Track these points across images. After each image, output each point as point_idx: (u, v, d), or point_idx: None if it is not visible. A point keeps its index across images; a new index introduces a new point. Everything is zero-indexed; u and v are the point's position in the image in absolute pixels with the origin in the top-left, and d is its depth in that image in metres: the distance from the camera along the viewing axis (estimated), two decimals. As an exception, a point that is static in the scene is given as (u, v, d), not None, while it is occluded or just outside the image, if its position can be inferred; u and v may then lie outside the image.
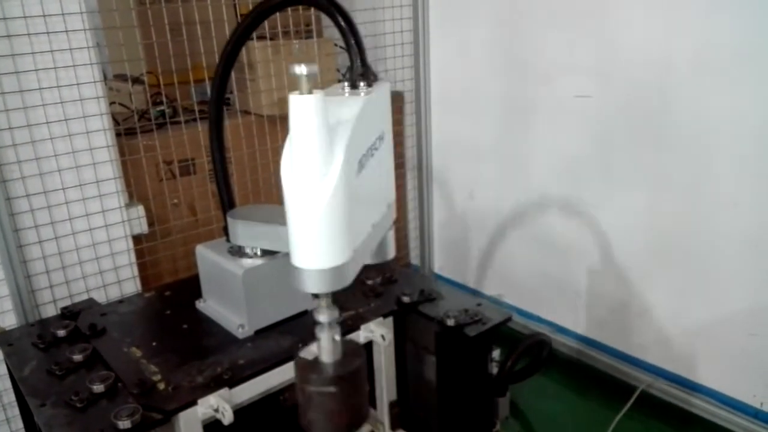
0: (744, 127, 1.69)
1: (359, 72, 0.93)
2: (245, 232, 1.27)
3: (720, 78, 1.71)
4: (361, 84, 0.92)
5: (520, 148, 2.29)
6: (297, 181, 0.77)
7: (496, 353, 1.44)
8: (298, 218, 0.78)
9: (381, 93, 0.95)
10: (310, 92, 0.75)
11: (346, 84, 0.92)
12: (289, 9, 2.14)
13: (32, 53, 1.60)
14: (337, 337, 0.90)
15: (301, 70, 0.75)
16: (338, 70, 2.41)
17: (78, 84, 1.68)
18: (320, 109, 0.76)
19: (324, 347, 0.89)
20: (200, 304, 1.44)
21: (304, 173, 0.77)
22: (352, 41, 0.98)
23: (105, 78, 1.81)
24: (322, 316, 0.87)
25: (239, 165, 2.13)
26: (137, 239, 1.91)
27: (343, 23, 1.00)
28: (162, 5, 1.91)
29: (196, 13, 1.91)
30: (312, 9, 2.30)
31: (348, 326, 1.34)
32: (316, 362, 0.90)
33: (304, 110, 0.75)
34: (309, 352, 0.91)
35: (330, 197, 0.76)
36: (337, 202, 0.77)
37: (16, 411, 1.51)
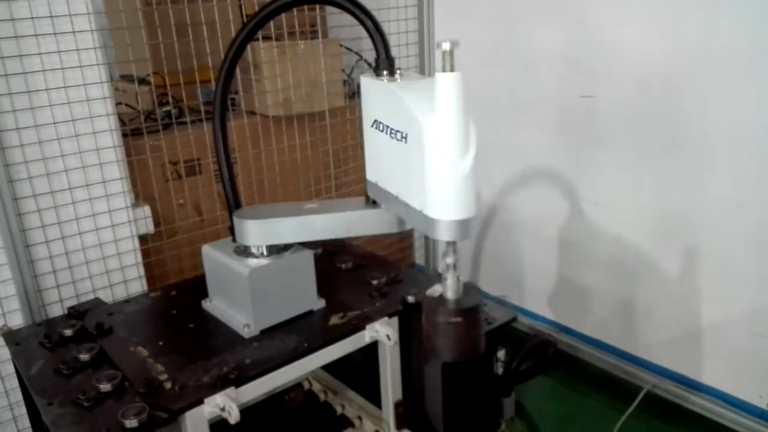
0: (749, 126, 1.69)
1: (387, 63, 1.10)
2: (251, 231, 1.28)
3: (725, 77, 1.71)
4: (384, 73, 1.10)
5: (524, 147, 2.29)
6: (451, 146, 0.93)
7: (501, 353, 1.44)
8: (445, 178, 0.94)
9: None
10: (452, 70, 0.89)
11: (384, 71, 1.10)
12: (295, 9, 2.15)
13: (39, 54, 1.61)
14: (460, 278, 1.03)
15: (446, 46, 0.89)
16: (343, 71, 2.42)
17: (85, 84, 1.68)
18: (461, 85, 0.91)
19: (449, 285, 1.02)
20: (206, 304, 1.45)
21: (455, 138, 0.93)
22: (378, 36, 1.12)
23: (111, 78, 1.81)
24: (450, 258, 1.01)
25: (245, 165, 2.14)
26: (143, 239, 1.92)
27: (366, 20, 1.13)
28: (168, 6, 1.92)
29: (202, 13, 1.91)
30: (317, 9, 2.30)
31: (353, 326, 1.35)
32: (442, 298, 1.03)
33: (454, 85, 0.90)
34: (434, 290, 1.05)
35: (472, 159, 0.94)
36: (473, 166, 0.95)
37: (24, 410, 1.52)
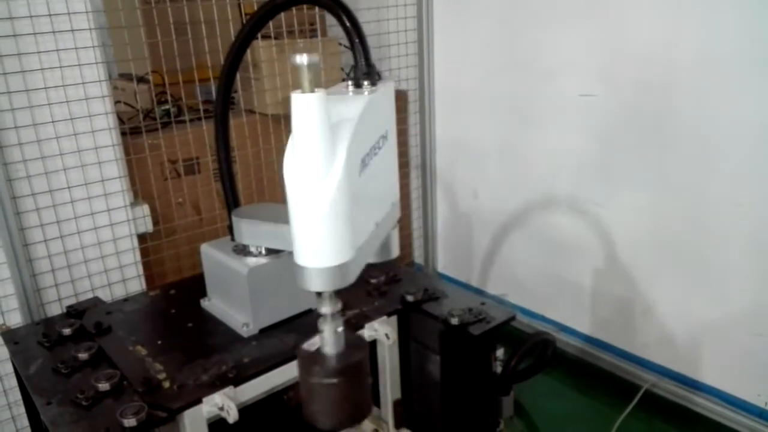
0: (748, 126, 1.69)
1: (363, 71, 0.93)
2: (250, 231, 1.27)
3: (724, 77, 1.70)
4: (365, 83, 0.92)
5: (524, 147, 2.29)
6: (299, 179, 0.77)
7: (500, 352, 1.44)
8: (300, 217, 0.78)
9: (385, 92, 0.95)
10: (312, 90, 0.75)
11: (350, 83, 0.92)
12: (294, 8, 2.15)
13: (38, 52, 1.61)
14: (340, 329, 0.90)
15: (302, 59, 0.74)
16: (342, 69, 2.41)
17: (83, 83, 1.68)
18: (322, 108, 0.75)
19: (326, 339, 0.89)
20: (205, 303, 1.45)
21: (306, 172, 0.77)
22: (357, 40, 0.98)
23: (110, 77, 1.81)
24: (325, 308, 0.87)
25: (244, 164, 2.13)
26: (142, 238, 1.91)
27: (347, 23, 1.00)
28: (167, 4, 1.92)
29: (200, 12, 1.91)
30: (316, 8, 2.30)
31: (352, 325, 1.35)
32: (318, 354, 0.90)
33: (306, 109, 0.75)
34: (311, 344, 0.91)
35: (332, 196, 0.76)
36: (340, 201, 0.77)
37: (22, 409, 1.52)
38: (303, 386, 0.90)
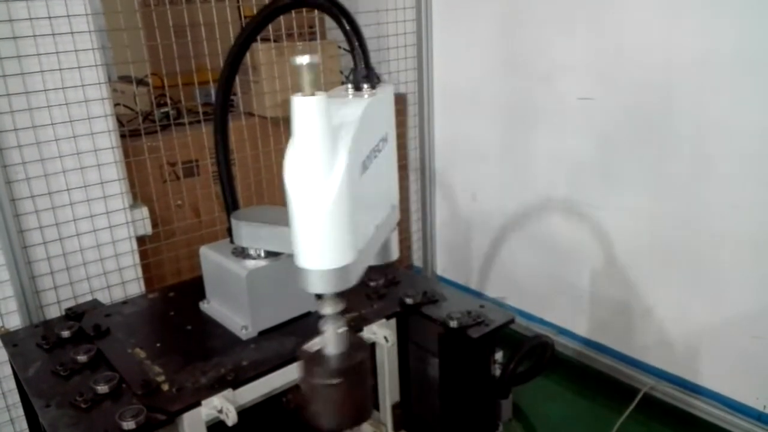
0: (745, 129, 1.69)
1: (363, 74, 0.94)
2: (249, 233, 1.27)
3: (722, 80, 1.71)
4: (365, 86, 0.93)
5: (522, 150, 2.29)
6: (300, 182, 0.77)
7: (498, 355, 1.44)
8: (301, 219, 0.78)
9: (384, 95, 0.95)
10: (313, 93, 0.75)
11: (349, 86, 0.93)
12: (293, 11, 2.15)
13: (37, 55, 1.61)
14: (341, 330, 0.90)
15: (302, 60, 0.75)
16: (342, 72, 2.42)
17: (83, 85, 1.68)
18: (323, 111, 0.76)
19: (328, 339, 0.89)
20: (204, 306, 1.45)
21: (307, 175, 0.77)
22: (356, 44, 0.98)
23: (110, 80, 1.81)
24: (327, 309, 0.87)
25: (243, 166, 2.13)
26: (141, 240, 1.91)
27: (347, 26, 1.00)
28: (166, 7, 1.92)
29: (200, 14, 1.91)
30: (316, 11, 2.30)
31: (351, 328, 1.34)
32: (320, 355, 0.90)
33: (307, 112, 0.75)
34: (313, 344, 0.91)
35: (333, 198, 0.77)
36: (341, 204, 0.78)
37: (21, 412, 1.51)
38: (305, 387, 0.90)
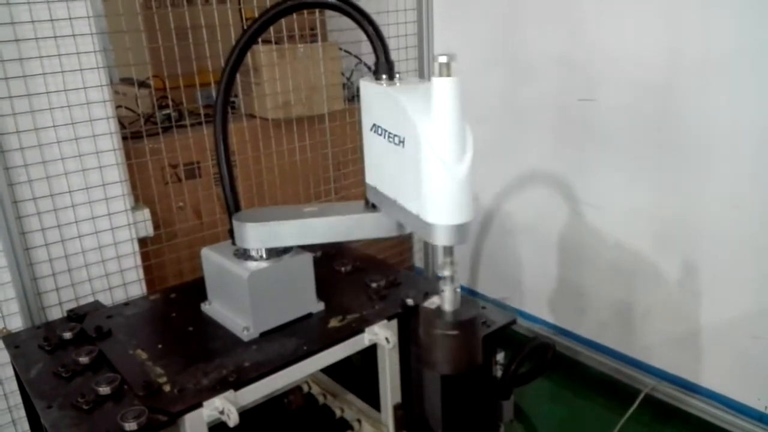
0: (745, 129, 1.69)
1: (386, 67, 1.10)
2: (251, 234, 1.28)
3: (722, 80, 1.71)
4: (384, 77, 1.10)
5: (523, 151, 2.29)
6: (448, 150, 0.93)
7: (500, 356, 1.44)
8: (445, 182, 0.94)
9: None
10: (449, 75, 0.90)
11: (383, 75, 1.11)
12: (294, 13, 2.15)
13: (40, 57, 1.61)
14: (458, 290, 1.03)
15: (443, 59, 0.90)
16: (342, 74, 2.42)
17: (85, 88, 1.69)
18: (460, 90, 0.92)
19: (447, 298, 1.03)
20: (205, 307, 1.45)
21: (452, 144, 0.93)
22: (377, 40, 1.12)
23: (111, 82, 1.82)
24: (447, 271, 1.02)
25: (244, 168, 2.14)
26: (143, 242, 1.92)
27: (365, 24, 1.12)
28: (168, 9, 1.93)
29: (201, 17, 1.92)
30: (317, 13, 2.31)
31: (352, 329, 1.35)
32: (439, 310, 1.04)
33: (450, 90, 0.91)
34: (432, 302, 1.05)
35: (468, 164, 0.95)
36: (470, 170, 0.95)
37: (23, 413, 1.52)
38: (426, 337, 1.05)
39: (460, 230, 0.97)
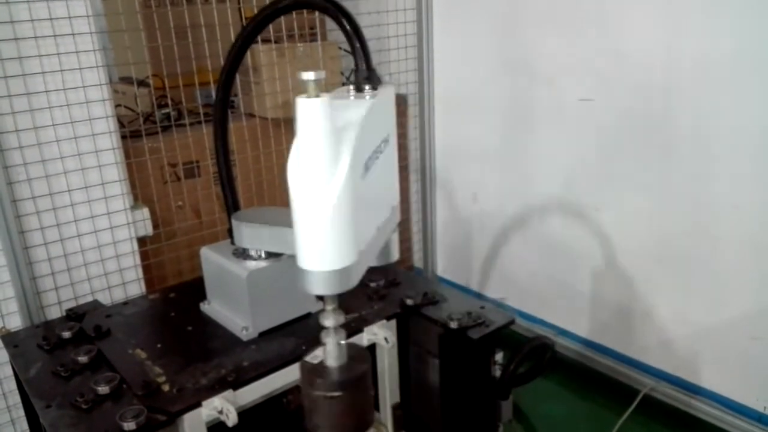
0: (745, 130, 1.69)
1: (364, 75, 0.94)
2: (250, 234, 1.27)
3: (722, 81, 1.71)
4: (367, 87, 0.93)
5: (523, 151, 2.29)
6: (304, 183, 0.77)
7: (499, 356, 1.44)
8: (304, 220, 0.79)
9: (386, 96, 0.95)
10: (317, 95, 0.76)
11: (351, 87, 0.93)
12: (294, 12, 2.15)
13: (39, 56, 1.61)
14: (343, 342, 0.90)
15: (308, 76, 0.76)
16: (342, 74, 2.42)
17: (84, 87, 1.68)
18: (327, 112, 0.76)
19: (330, 352, 0.90)
20: (204, 306, 1.45)
21: (311, 175, 0.77)
22: (357, 45, 0.98)
23: (111, 81, 1.81)
24: (328, 321, 0.88)
25: (243, 167, 2.14)
26: (142, 241, 1.92)
27: (348, 27, 1.00)
28: (167, 8, 1.93)
29: (201, 16, 1.92)
30: (316, 12, 2.31)
31: (351, 329, 1.35)
32: (321, 367, 0.90)
33: (312, 113, 0.76)
34: (314, 356, 0.91)
35: (336, 199, 0.77)
36: (344, 205, 0.78)
37: (22, 412, 1.51)
38: (306, 399, 0.91)
39: (337, 276, 0.79)
